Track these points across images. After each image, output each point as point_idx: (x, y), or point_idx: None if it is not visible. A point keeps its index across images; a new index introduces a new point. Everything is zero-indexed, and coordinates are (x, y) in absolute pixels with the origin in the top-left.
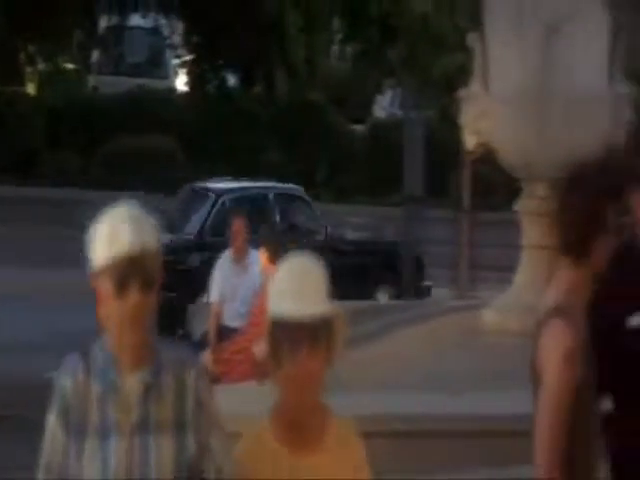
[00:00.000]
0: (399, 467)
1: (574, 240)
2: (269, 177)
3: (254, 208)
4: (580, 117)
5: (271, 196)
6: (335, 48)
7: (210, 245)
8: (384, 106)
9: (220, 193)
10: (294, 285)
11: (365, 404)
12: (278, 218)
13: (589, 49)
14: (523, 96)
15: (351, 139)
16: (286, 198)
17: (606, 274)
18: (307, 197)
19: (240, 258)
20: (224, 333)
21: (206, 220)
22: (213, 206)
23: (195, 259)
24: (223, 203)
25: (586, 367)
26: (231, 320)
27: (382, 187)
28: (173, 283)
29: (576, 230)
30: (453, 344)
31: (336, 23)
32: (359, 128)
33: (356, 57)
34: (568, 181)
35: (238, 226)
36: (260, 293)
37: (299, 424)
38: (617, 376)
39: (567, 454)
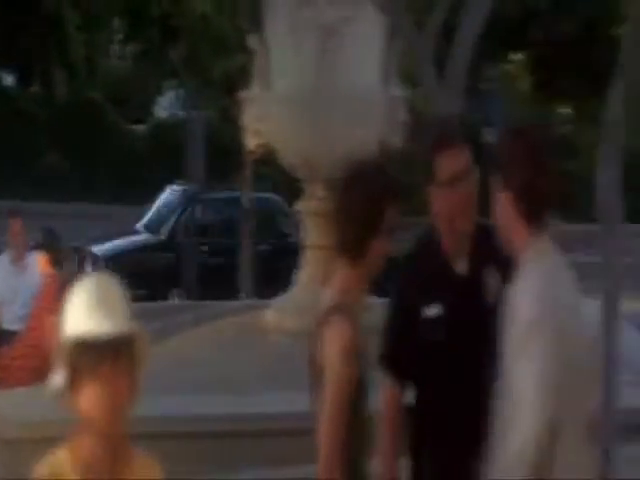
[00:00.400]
0: (184, 468)
1: (350, 240)
2: (47, 177)
3: (228, 210)
4: (357, 118)
5: (244, 199)
6: (115, 47)
7: (181, 245)
8: (165, 106)
9: (193, 195)
10: (94, 304)
11: (149, 405)
12: (251, 221)
13: (367, 51)
14: (299, 97)
15: (132, 139)
16: (260, 201)
17: (405, 266)
18: (282, 201)
19: (18, 259)
20: (3, 337)
21: (177, 221)
22: (185, 208)
23: (166, 259)
24: (195, 205)
25: (362, 364)
26: (10, 323)
27: (164, 187)
28: (144, 281)
29: (352, 230)
30: (234, 344)
31: (116, 22)
32: (140, 128)
33: (137, 57)
34: (345, 181)
35: (16, 226)
36: (38, 296)
37: (99, 457)
38: (416, 365)
39: (345, 451)
